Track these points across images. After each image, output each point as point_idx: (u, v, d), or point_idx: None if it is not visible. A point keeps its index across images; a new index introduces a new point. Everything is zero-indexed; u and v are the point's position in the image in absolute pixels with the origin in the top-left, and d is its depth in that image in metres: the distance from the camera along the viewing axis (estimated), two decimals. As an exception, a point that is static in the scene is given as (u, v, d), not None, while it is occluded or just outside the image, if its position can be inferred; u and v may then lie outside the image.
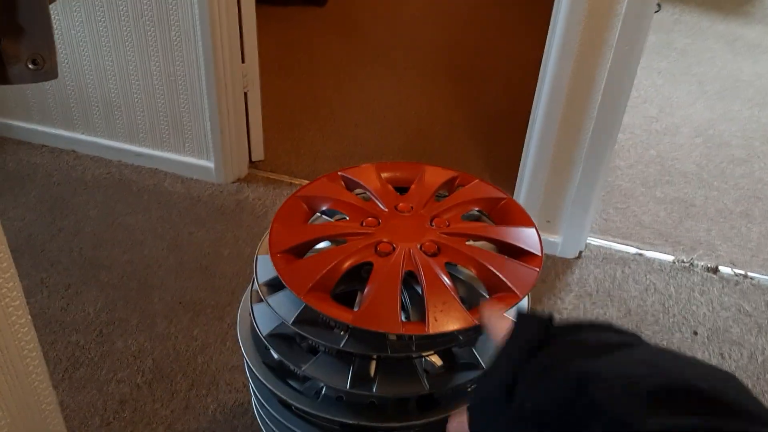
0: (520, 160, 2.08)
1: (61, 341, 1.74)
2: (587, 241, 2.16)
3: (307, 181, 2.40)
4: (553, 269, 2.06)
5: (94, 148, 2.41)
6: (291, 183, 2.37)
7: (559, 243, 2.10)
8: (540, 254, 1.04)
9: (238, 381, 1.66)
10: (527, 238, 1.06)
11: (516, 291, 0.97)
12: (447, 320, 0.92)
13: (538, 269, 1.01)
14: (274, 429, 1.11)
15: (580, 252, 2.13)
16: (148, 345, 1.74)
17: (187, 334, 1.77)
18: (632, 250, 2.17)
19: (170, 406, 1.60)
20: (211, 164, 2.31)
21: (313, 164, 2.47)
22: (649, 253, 2.16)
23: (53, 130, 2.43)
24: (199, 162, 2.32)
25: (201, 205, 2.23)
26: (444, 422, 1.02)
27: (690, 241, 2.22)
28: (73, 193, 2.25)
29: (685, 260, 2.13)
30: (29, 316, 0.91)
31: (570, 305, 1.94)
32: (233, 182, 2.35)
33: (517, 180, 2.09)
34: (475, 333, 1.02)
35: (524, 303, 1.09)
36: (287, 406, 1.07)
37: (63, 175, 2.33)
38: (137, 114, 2.29)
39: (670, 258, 2.14)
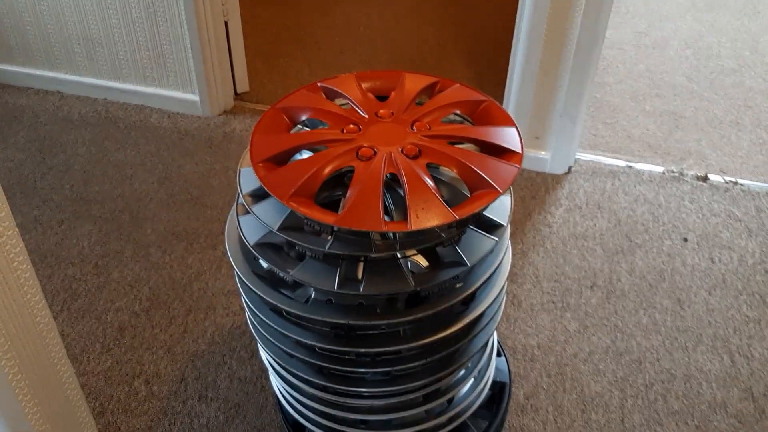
0: (506, 75, 2.06)
1: (58, 275, 1.76)
2: (576, 157, 2.17)
3: (294, 111, 2.40)
4: (543, 185, 2.07)
5: (79, 87, 2.38)
6: (279, 113, 2.35)
7: (548, 159, 2.10)
8: (520, 151, 1.04)
9: (235, 305, 1.68)
10: (507, 136, 1.06)
11: (496, 186, 0.98)
12: (428, 216, 0.93)
13: (518, 166, 1.02)
14: (268, 337, 1.14)
15: (570, 167, 2.14)
16: (143, 274, 1.76)
17: (181, 263, 1.79)
18: (622, 163, 2.17)
19: (169, 330, 1.63)
20: (196, 97, 2.29)
21: (300, 93, 2.44)
22: (639, 166, 2.16)
23: (37, 72, 2.41)
24: (184, 96, 2.31)
25: (188, 139, 2.23)
26: (430, 319, 1.05)
27: (680, 152, 2.22)
28: (61, 132, 2.24)
29: (675, 170, 2.14)
30: (23, 245, 0.92)
31: (560, 219, 1.95)
32: (219, 115, 2.33)
33: (504, 96, 2.08)
34: (458, 231, 1.03)
35: (507, 201, 1.10)
36: (278, 312, 1.09)
37: (50, 116, 2.31)
38: (119, 50, 2.26)
39: (660, 169, 2.14)
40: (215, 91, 2.28)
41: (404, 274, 1.00)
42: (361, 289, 0.99)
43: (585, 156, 2.19)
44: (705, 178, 2.11)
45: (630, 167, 2.15)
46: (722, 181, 2.10)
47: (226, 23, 2.23)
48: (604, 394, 1.51)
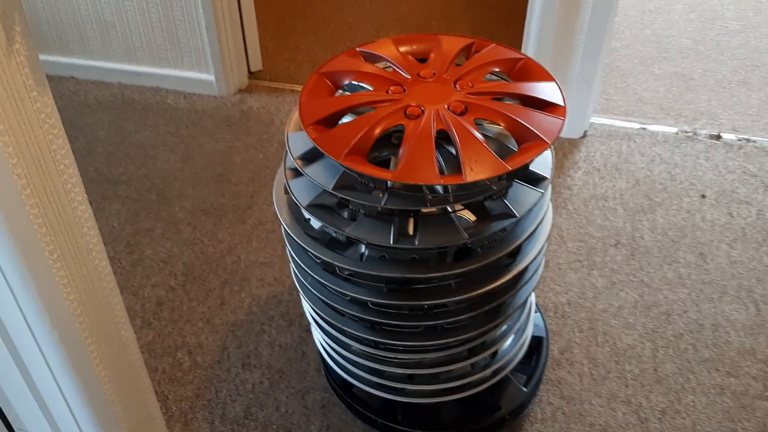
0: (520, 46, 2.09)
1: (92, 254, 1.78)
2: (591, 121, 2.20)
3: (309, 87, 2.41)
4: (561, 149, 2.11)
5: (93, 71, 2.40)
6: (293, 90, 2.37)
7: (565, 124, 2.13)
8: (563, 104, 1.07)
9: (269, 275, 1.72)
10: (549, 90, 1.09)
11: (544, 138, 1.01)
12: (482, 168, 0.96)
13: (563, 118, 1.05)
14: (320, 296, 1.17)
15: (585, 131, 2.17)
16: (176, 250, 1.79)
17: (212, 238, 1.82)
18: (635, 125, 2.21)
19: (206, 303, 1.66)
20: (211, 77, 2.31)
21: (312, 70, 2.46)
22: (653, 127, 2.19)
23: (51, 58, 2.41)
24: (199, 76, 2.32)
25: (207, 118, 2.24)
26: (480, 271, 1.08)
27: (691, 113, 2.25)
28: (80, 116, 2.26)
29: (688, 130, 2.17)
30: (91, 211, 0.95)
31: (580, 181, 1.99)
32: (235, 94, 2.35)
33: (520, 64, 2.10)
34: (506, 184, 1.06)
35: (549, 155, 1.14)
36: (332, 271, 1.13)
37: (66, 101, 2.33)
38: (133, 32, 2.27)
39: (673, 130, 2.18)
40: (230, 71, 2.30)
41: (456, 227, 1.03)
42: (416, 242, 1.02)
43: (599, 120, 2.22)
44: (718, 137, 2.14)
45: (644, 129, 2.18)
46: (735, 138, 2.14)
47: (238, 1, 2.25)
48: (636, 346, 1.55)
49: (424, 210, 1.05)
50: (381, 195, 1.02)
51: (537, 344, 1.45)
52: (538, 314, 1.51)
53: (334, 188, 1.03)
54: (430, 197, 1.01)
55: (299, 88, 2.38)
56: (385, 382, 1.28)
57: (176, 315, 1.64)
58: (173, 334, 1.60)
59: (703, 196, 1.93)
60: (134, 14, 2.22)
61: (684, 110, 2.26)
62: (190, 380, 1.51)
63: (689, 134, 2.15)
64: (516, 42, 2.08)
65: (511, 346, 1.33)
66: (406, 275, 1.05)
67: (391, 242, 1.02)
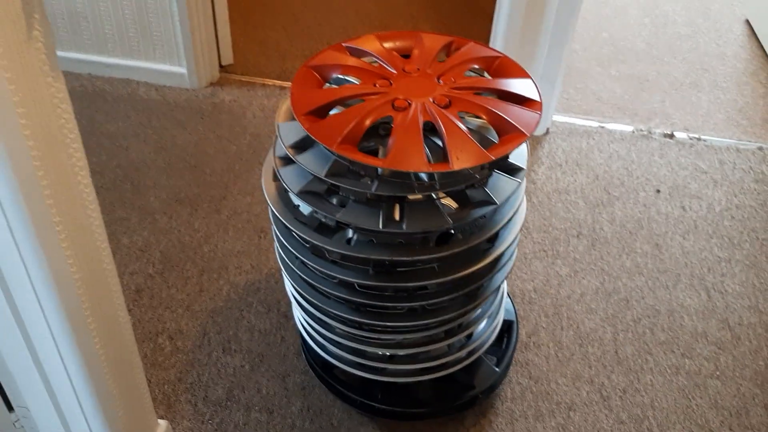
0: (488, 42, 2.17)
1: (68, 242, 1.80)
2: (553, 119, 2.30)
3: (279, 81, 2.46)
4: (528, 146, 2.19)
5: (62, 62, 2.36)
6: (264, 84, 2.41)
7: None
8: (539, 99, 1.15)
9: (246, 263, 1.76)
10: (526, 86, 1.17)
11: (523, 130, 1.08)
12: (468, 157, 1.03)
13: (539, 112, 1.13)
14: (307, 279, 1.22)
15: (548, 129, 2.27)
16: (153, 239, 1.82)
17: (188, 227, 1.86)
18: (594, 123, 2.31)
19: (185, 290, 1.70)
20: (183, 70, 2.33)
21: (282, 64, 2.51)
22: (610, 125, 2.30)
23: (16, 47, 2.40)
24: (171, 68, 2.34)
25: (179, 110, 2.27)
26: (462, 255, 1.15)
27: (646, 112, 2.37)
28: (49, 106, 2.26)
29: (643, 129, 2.29)
30: (95, 194, 0.98)
31: (543, 176, 2.08)
32: (206, 87, 2.38)
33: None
34: (487, 173, 1.13)
35: (524, 148, 1.22)
36: (320, 255, 1.18)
37: (34, 91, 2.32)
38: (105, 23, 2.28)
39: (629, 128, 2.29)
40: (202, 63, 2.33)
41: (441, 212, 1.10)
42: (404, 227, 1.09)
43: (560, 118, 2.32)
44: (671, 136, 2.26)
45: (602, 127, 2.29)
46: (687, 137, 2.26)
47: (211, -5, 2.28)
48: (598, 330, 1.64)
49: (411, 197, 1.11)
50: (370, 182, 1.08)
51: (508, 328, 1.53)
52: (509, 300, 1.59)
53: (326, 175, 1.08)
54: (417, 184, 1.08)
55: (269, 82, 2.42)
56: (367, 362, 1.34)
57: (155, 302, 1.67)
58: (153, 320, 1.63)
59: (658, 191, 2.04)
60: (106, 5, 2.23)
61: (639, 110, 2.38)
62: (171, 364, 1.54)
63: (644, 133, 2.27)
64: (483, 36, 2.16)
65: (485, 328, 1.40)
66: (394, 258, 1.11)
67: (380, 227, 1.08)
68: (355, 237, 1.16)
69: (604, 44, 2.74)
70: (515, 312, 1.57)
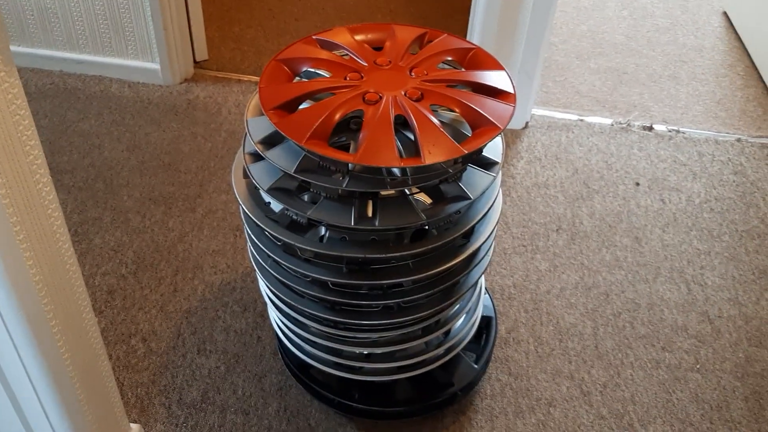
0: (465, 36, 2.15)
1: (38, 244, 1.76)
2: (532, 112, 2.28)
3: (255, 77, 2.42)
4: (504, 140, 2.17)
5: (33, 59, 2.34)
6: (239, 80, 2.38)
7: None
8: (513, 92, 1.13)
9: (222, 263, 1.73)
10: (499, 79, 1.15)
11: (496, 123, 1.06)
12: (440, 151, 1.01)
13: (513, 104, 1.11)
14: (280, 278, 1.20)
15: (527, 122, 2.25)
16: (125, 239, 1.78)
17: (162, 226, 1.82)
18: (574, 117, 2.30)
19: (159, 290, 1.66)
20: (156, 66, 2.29)
21: (258, 60, 2.47)
22: (590, 119, 2.29)
23: (-15, 44, 2.35)
24: (144, 65, 2.30)
25: (152, 107, 2.23)
26: (436, 251, 1.13)
27: (625, 105, 2.36)
28: (19, 104, 2.21)
29: (622, 122, 2.28)
30: (55, 193, 0.95)
31: (522, 170, 2.06)
32: (180, 83, 2.34)
33: (464, 56, 2.16)
34: (461, 168, 1.11)
35: (499, 141, 1.19)
36: (293, 253, 1.16)
37: (4, 89, 2.27)
38: (75, 19, 2.23)
39: (608, 121, 2.28)
40: (176, 60, 2.29)
41: (414, 208, 1.08)
42: (377, 223, 1.06)
43: (539, 111, 2.30)
44: (650, 128, 2.25)
45: (581, 120, 2.28)
46: (666, 130, 2.25)
47: (184, -10, 2.24)
48: (578, 325, 1.63)
49: (383, 192, 1.09)
50: (342, 178, 1.06)
51: (486, 324, 1.52)
52: (487, 296, 1.57)
53: (295, 171, 1.06)
54: (389, 180, 1.06)
55: (245, 78, 2.39)
56: (343, 361, 1.32)
57: (128, 303, 1.64)
58: (126, 321, 1.60)
59: (637, 184, 2.03)
60: (77, 2, 2.18)
61: (618, 103, 2.37)
62: (145, 367, 1.51)
63: (623, 125, 2.26)
64: (458, 33, 2.14)
65: (463, 325, 1.38)
66: (367, 255, 1.09)
67: (353, 224, 1.06)
68: (327, 234, 1.13)
69: (583, 37, 2.72)
70: (494, 308, 1.55)
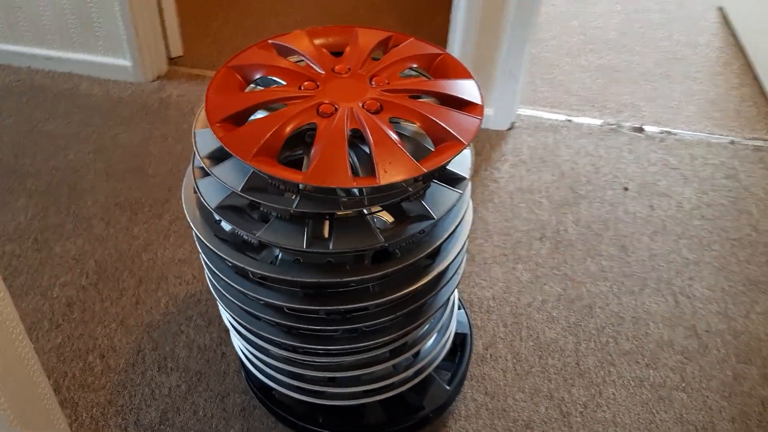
0: (447, 37, 2.06)
1: (-4, 252, 1.68)
2: (518, 112, 2.20)
3: (232, 74, 2.33)
4: (488, 142, 2.10)
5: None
6: (215, 77, 2.28)
7: (491, 116, 2.12)
8: (480, 103, 1.04)
9: (187, 273, 1.65)
10: (467, 88, 1.06)
11: (460, 138, 0.98)
12: (396, 171, 0.93)
13: (480, 117, 1.02)
14: (234, 301, 1.12)
15: (512, 123, 2.17)
16: (87, 247, 1.70)
17: (127, 234, 1.74)
18: (562, 117, 2.22)
19: (120, 303, 1.59)
20: (127, 62, 2.21)
21: (236, 57, 2.38)
22: (578, 119, 2.21)
23: (-49, 40, 2.27)
24: (114, 61, 2.22)
25: (122, 106, 2.14)
26: (399, 274, 1.05)
27: (616, 105, 2.28)
28: (-16, 103, 2.13)
29: (612, 122, 2.19)
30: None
31: (506, 174, 1.98)
32: (153, 80, 2.26)
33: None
34: (423, 185, 1.03)
35: (468, 154, 1.11)
36: (245, 275, 1.08)
37: (-31, 87, 2.19)
38: (42, 13, 2.14)
39: (598, 122, 2.20)
40: (148, 56, 2.20)
41: (372, 230, 1.00)
42: (330, 246, 0.98)
43: (526, 111, 2.22)
44: (641, 129, 2.17)
45: (570, 121, 2.20)
46: (657, 131, 2.17)
47: (156, -16, 2.15)
48: (559, 340, 1.55)
49: (339, 213, 1.01)
50: (293, 197, 0.98)
51: (461, 341, 1.44)
52: (462, 311, 1.49)
53: (242, 190, 0.98)
54: (344, 200, 0.98)
55: (222, 75, 2.30)
56: (305, 385, 1.24)
57: (87, 316, 1.56)
58: (84, 336, 1.52)
59: (626, 189, 1.95)
60: (43, -4, 2.10)
61: (608, 102, 2.29)
62: (102, 385, 1.43)
63: (613, 126, 2.18)
64: (443, 33, 2.06)
65: (434, 345, 1.31)
66: (321, 280, 1.01)
67: (305, 246, 0.98)
68: (280, 256, 1.05)
69: (573, 33, 2.63)
70: (470, 324, 1.48)
